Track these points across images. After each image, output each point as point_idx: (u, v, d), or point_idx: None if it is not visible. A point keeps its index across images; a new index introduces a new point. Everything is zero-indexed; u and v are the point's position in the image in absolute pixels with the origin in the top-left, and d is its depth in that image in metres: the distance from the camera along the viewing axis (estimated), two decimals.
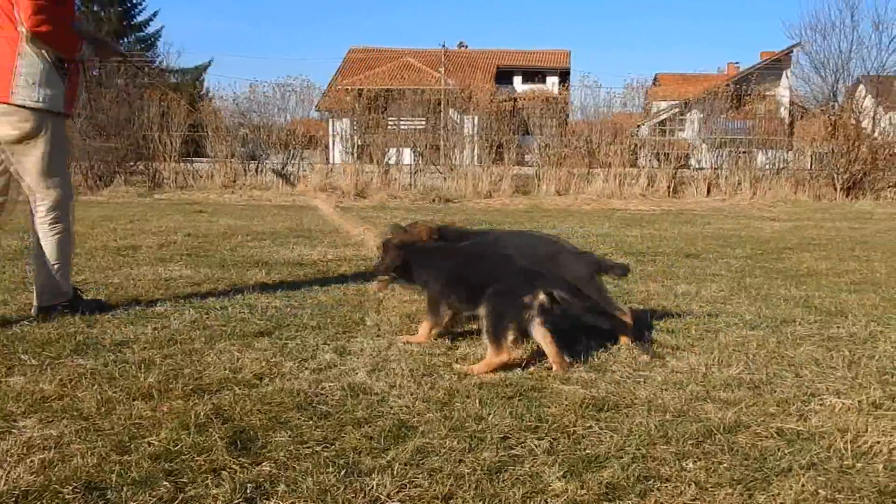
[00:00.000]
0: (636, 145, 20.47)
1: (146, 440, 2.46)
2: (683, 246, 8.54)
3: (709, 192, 19.02)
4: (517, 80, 45.13)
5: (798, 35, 24.26)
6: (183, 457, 2.35)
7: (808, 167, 19.87)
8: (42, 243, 4.21)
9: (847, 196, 18.70)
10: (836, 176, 19.06)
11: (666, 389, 3.12)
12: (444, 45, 42.22)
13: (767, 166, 20.10)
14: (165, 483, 2.18)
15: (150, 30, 43.29)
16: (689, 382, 3.21)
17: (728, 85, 25.32)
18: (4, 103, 3.97)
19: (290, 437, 2.52)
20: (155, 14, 44.34)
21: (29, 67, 3.97)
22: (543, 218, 12.95)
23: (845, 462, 2.40)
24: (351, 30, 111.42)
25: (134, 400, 2.85)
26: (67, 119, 4.33)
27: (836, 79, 21.46)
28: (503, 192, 18.13)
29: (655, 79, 46.50)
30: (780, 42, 36.10)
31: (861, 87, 22.94)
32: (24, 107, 3.99)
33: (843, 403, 2.94)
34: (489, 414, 2.77)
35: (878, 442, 2.53)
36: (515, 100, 21.33)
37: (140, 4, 42.72)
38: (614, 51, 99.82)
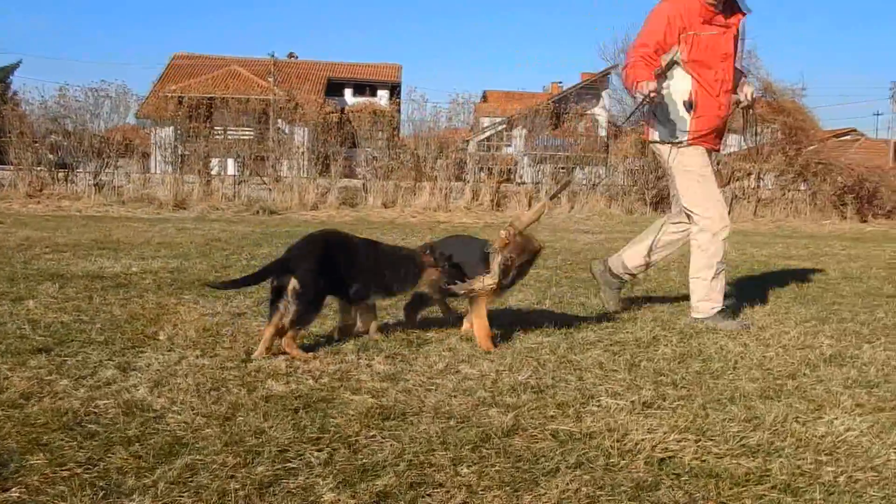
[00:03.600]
0: (462, 159, 20.93)
1: None
2: None
3: (530, 205, 19.67)
4: (348, 92, 45.16)
5: (612, 58, 25.54)
6: None
7: (622, 183, 21.01)
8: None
9: (655, 210, 19.89)
10: (646, 191, 20.26)
11: (455, 396, 3.16)
12: (273, 55, 41.57)
13: (584, 181, 21.10)
14: None
15: None
16: (479, 388, 3.28)
17: (549, 103, 26.40)
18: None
19: (48, 459, 2.36)
20: None
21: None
22: (368, 230, 12.94)
23: (611, 460, 2.52)
24: (176, 35, 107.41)
25: None
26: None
27: None
28: (329, 204, 18.02)
29: (484, 95, 47.80)
30: (600, 64, 38.03)
31: None
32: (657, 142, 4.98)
33: (618, 404, 3.09)
34: (271, 427, 2.70)
35: (643, 440, 2.67)
36: (343, 111, 21.29)
37: None
38: (446, 67, 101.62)
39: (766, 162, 21.43)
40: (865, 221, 20.44)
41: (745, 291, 6.43)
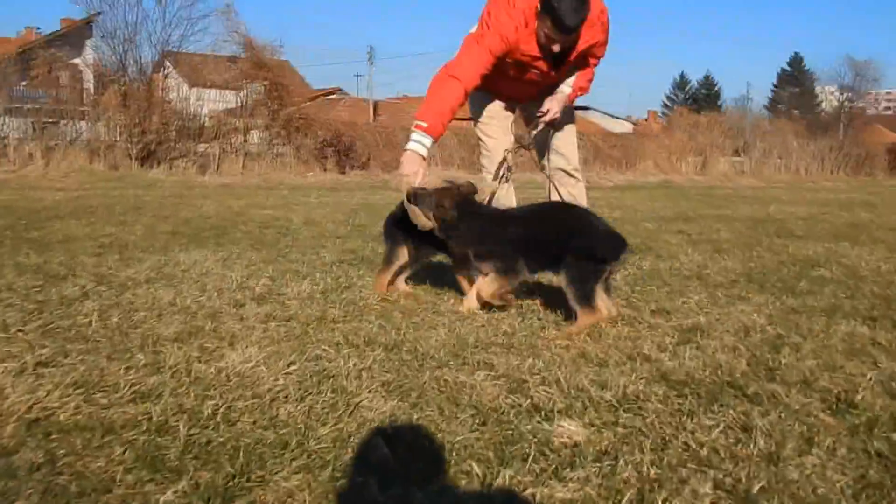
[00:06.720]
0: None
1: None
2: None
3: None
4: None
5: (89, 5, 23.45)
6: None
7: (104, 137, 19.79)
8: None
9: (143, 165, 19.18)
10: (130, 146, 19.37)
11: None
12: None
13: (64, 136, 19.47)
14: None
15: None
16: None
17: (23, 50, 23.80)
18: None
19: None
20: None
21: None
22: None
23: None
24: None
25: None
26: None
27: (126, 50, 21.54)
28: None
29: None
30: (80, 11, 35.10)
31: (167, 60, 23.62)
32: None
33: (6, 367, 2.78)
34: None
35: (20, 401, 2.42)
36: None
37: None
38: None
39: (252, 117, 21.98)
40: (344, 173, 22.16)
41: (207, 241, 6.45)
